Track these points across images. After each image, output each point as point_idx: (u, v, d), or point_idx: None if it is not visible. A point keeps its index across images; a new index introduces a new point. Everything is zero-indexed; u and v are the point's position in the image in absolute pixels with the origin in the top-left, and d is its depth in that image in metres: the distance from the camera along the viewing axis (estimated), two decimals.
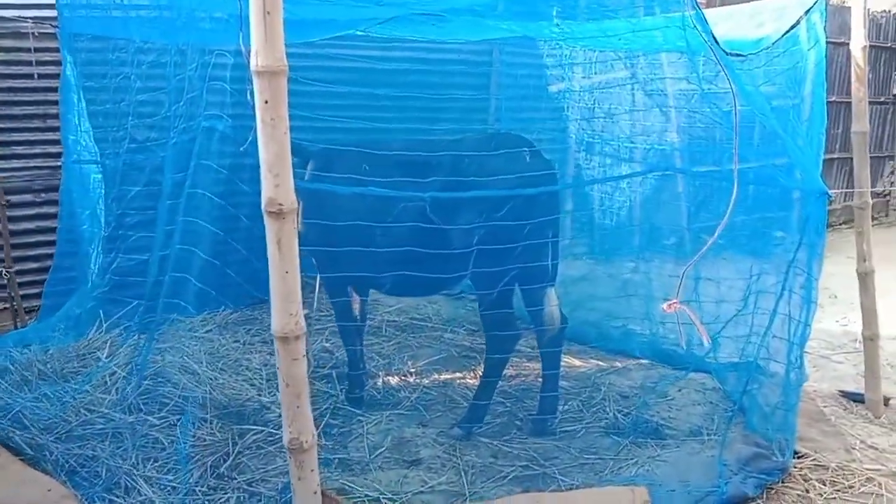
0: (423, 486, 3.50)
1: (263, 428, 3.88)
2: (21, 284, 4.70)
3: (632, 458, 3.78)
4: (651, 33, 3.39)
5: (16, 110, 4.97)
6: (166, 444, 3.59)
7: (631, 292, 5.56)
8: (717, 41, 3.42)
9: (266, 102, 2.56)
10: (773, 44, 3.83)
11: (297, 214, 4.09)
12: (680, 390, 4.75)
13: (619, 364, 5.23)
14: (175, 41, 3.23)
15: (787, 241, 3.58)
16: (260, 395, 4.40)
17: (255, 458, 3.70)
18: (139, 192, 3.84)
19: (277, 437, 3.91)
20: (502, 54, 6.93)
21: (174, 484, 3.37)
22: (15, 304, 4.61)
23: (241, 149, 2.56)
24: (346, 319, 4.48)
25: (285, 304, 2.72)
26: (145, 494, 3.27)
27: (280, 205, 2.62)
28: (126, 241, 4.10)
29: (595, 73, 5.47)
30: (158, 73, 3.80)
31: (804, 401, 4.62)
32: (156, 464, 3.50)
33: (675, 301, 2.25)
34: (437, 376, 4.82)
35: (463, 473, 3.63)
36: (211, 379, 4.48)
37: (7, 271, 4.52)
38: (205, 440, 3.77)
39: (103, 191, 4.01)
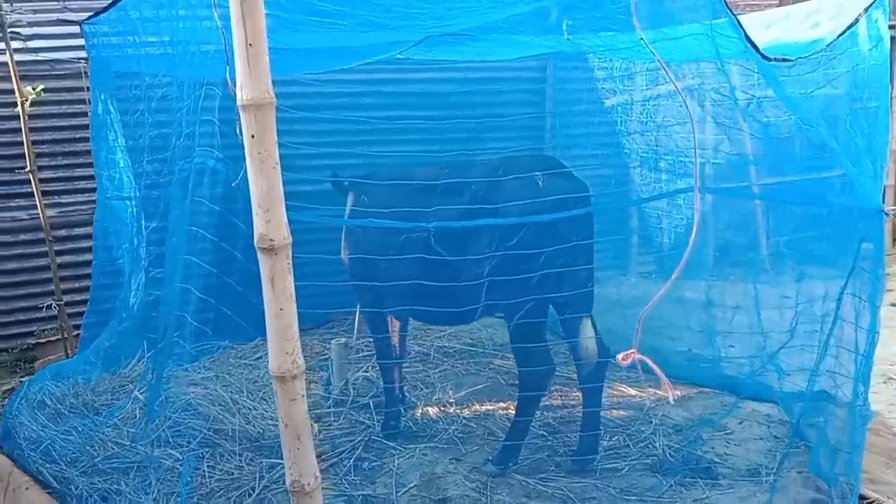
0: None
1: (280, 462, 3.78)
2: (72, 315, 4.87)
3: (676, 501, 3.48)
4: (674, 42, 3.13)
5: (44, 148, 5.20)
6: (189, 478, 3.56)
7: (694, 315, 5.21)
8: (755, 47, 3.16)
9: (253, 137, 2.49)
10: (827, 46, 3.50)
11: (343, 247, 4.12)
12: (741, 423, 4.39)
13: (678, 393, 4.89)
14: (174, 75, 3.24)
15: (840, 264, 3.22)
16: None
17: (280, 492, 3.63)
18: (156, 228, 3.88)
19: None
20: (556, 69, 6.71)
21: None
22: (66, 334, 4.77)
23: (233, 185, 2.49)
24: (384, 352, 4.39)
25: (281, 342, 2.62)
26: None
27: (272, 241, 2.53)
28: (148, 275, 4.15)
29: (645, 86, 5.19)
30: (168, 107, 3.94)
31: (885, 437, 4.20)
32: (178, 499, 3.47)
33: (632, 351, 2.02)
34: (478, 406, 4.64)
35: None
36: (250, 408, 4.47)
37: (57, 303, 4.68)
38: (232, 473, 3.74)
39: (136, 225, 4.08)
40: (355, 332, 4.90)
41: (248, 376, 5.09)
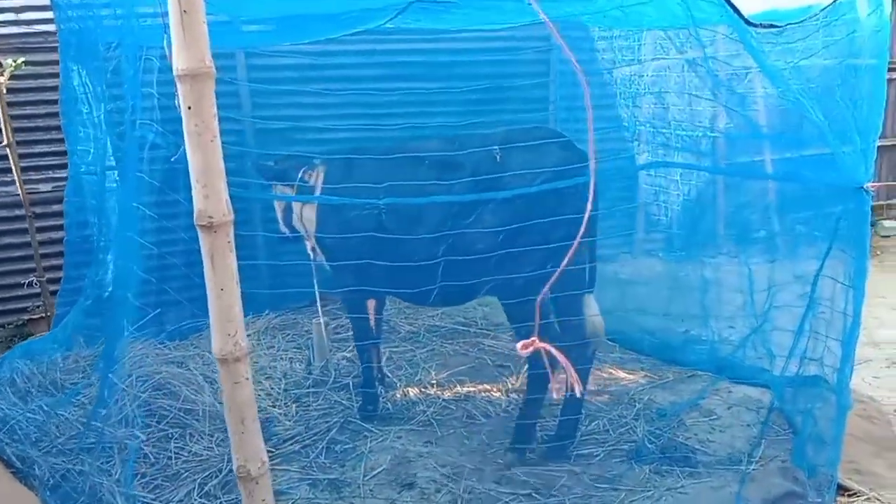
0: None
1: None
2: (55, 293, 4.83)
3: (649, 490, 3.35)
4: (642, 8, 2.94)
5: (39, 122, 5.12)
6: (153, 459, 3.52)
7: (690, 295, 5.04)
8: (737, 11, 2.97)
9: (189, 108, 2.38)
10: (822, 11, 3.28)
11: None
12: (730, 408, 4.24)
13: (670, 376, 4.74)
14: (123, 43, 3.11)
15: (820, 244, 3.04)
16: (274, 405, 4.29)
17: None
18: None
19: (277, 453, 3.78)
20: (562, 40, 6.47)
21: (155, 503, 3.28)
22: (49, 312, 4.74)
23: (172, 159, 2.39)
24: (362, 334, 4.28)
25: (223, 323, 2.52)
26: None
27: (210, 217, 2.42)
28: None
29: (642, 56, 4.98)
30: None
31: (878, 424, 4.03)
32: (142, 480, 3.43)
33: (533, 340, 1.88)
34: (460, 388, 4.53)
35: (458, 500, 3.34)
36: None
37: (38, 280, 4.65)
38: (200, 455, 3.68)
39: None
40: (315, 351, 4.76)
41: None
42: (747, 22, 3.04)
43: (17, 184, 4.59)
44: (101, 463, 3.43)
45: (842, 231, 2.81)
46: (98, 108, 3.99)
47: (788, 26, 3.19)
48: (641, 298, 5.55)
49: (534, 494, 3.37)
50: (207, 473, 3.53)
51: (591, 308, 3.79)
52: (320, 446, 3.86)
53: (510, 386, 4.54)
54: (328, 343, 4.72)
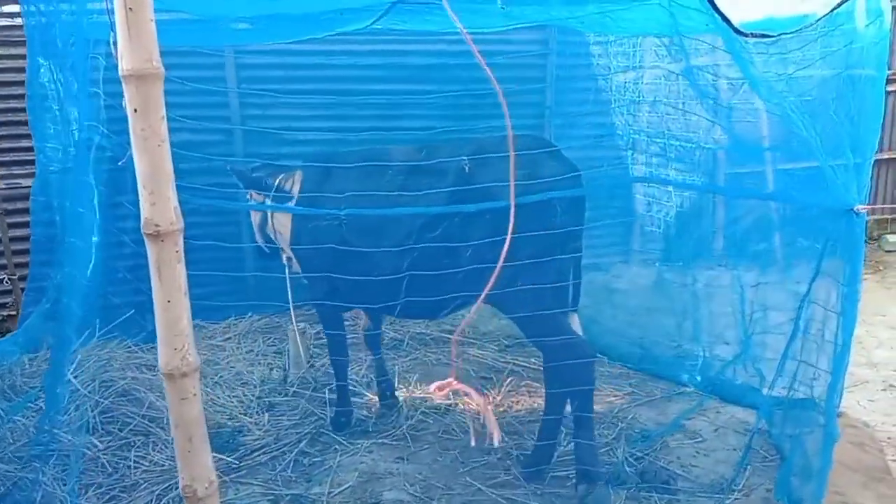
0: None
1: (221, 456, 3.61)
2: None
3: None
4: (628, 15, 2.79)
5: (23, 116, 5.00)
6: (109, 468, 3.40)
7: (683, 308, 4.89)
8: (726, 19, 2.83)
9: (136, 111, 2.25)
10: (818, 20, 3.13)
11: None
12: (716, 430, 4.09)
13: (657, 393, 4.60)
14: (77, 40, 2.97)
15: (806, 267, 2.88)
16: (245, 413, 4.17)
17: None
18: None
19: (242, 465, 3.66)
20: (557, 44, 6.36)
21: None
22: (19, 309, 4.64)
23: (120, 163, 2.26)
24: (336, 345, 4.09)
25: (169, 336, 2.39)
26: None
27: (157, 226, 2.29)
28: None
29: (638, 63, 4.83)
30: None
31: (870, 452, 3.87)
32: (98, 490, 3.32)
33: (449, 381, 1.75)
34: (438, 400, 4.39)
35: None
36: (204, 394, 4.28)
37: (10, 278, 4.55)
38: (161, 465, 3.56)
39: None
40: (291, 359, 4.63)
41: (211, 358, 4.92)
42: (737, 31, 2.89)
43: None
44: (56, 471, 3.31)
45: (830, 254, 2.65)
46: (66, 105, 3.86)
47: (782, 36, 3.04)
48: (634, 311, 5.43)
49: None
50: (167, 485, 3.41)
51: (575, 327, 3.62)
52: (288, 458, 3.74)
53: (491, 399, 4.40)
54: (307, 350, 4.59)
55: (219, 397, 4.32)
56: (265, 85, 5.90)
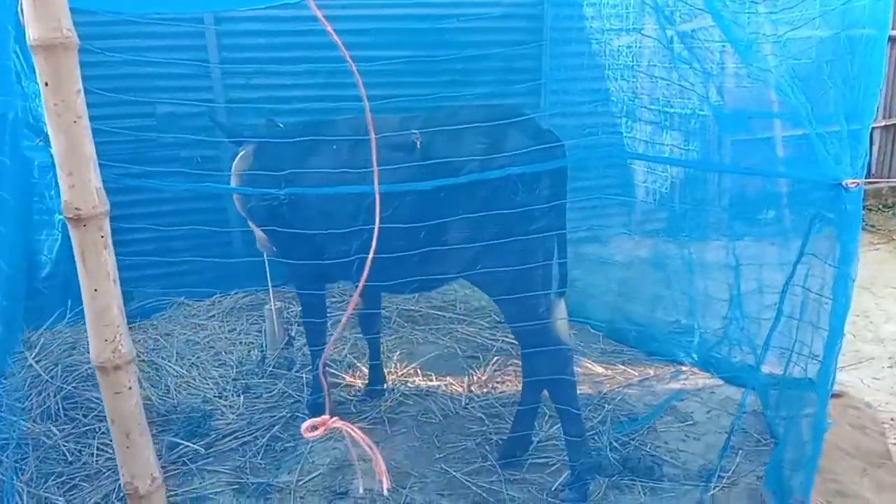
0: None
1: (187, 444, 3.48)
2: None
3: None
4: None
5: None
6: (70, 457, 3.28)
7: (677, 284, 4.67)
8: None
9: (47, 84, 2.07)
10: None
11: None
12: (709, 412, 3.90)
13: (651, 372, 4.41)
14: None
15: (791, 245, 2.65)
16: (220, 396, 4.04)
17: (172, 476, 3.33)
18: None
19: (211, 452, 3.54)
20: (551, 5, 6.07)
21: None
22: None
23: (38, 142, 2.09)
24: (312, 323, 3.91)
25: (98, 327, 2.24)
26: None
27: (77, 209, 2.13)
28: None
29: (632, 26, 4.54)
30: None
31: (870, 435, 3.67)
32: (58, 479, 3.20)
33: (326, 418, 1.57)
34: (420, 381, 4.24)
35: None
36: (174, 376, 4.18)
37: None
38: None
39: None
40: (267, 338, 4.47)
41: (192, 337, 4.80)
42: None
43: None
44: (15, 460, 3.20)
45: (819, 232, 2.43)
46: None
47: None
48: (631, 285, 5.22)
49: None
50: None
51: (560, 313, 3.40)
52: (259, 444, 3.61)
53: (476, 380, 4.24)
54: (284, 330, 4.45)
55: (195, 379, 4.20)
56: (248, 54, 5.71)
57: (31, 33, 2.02)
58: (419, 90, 5.68)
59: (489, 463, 3.40)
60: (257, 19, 5.61)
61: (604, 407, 3.86)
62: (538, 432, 3.59)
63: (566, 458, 3.23)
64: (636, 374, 4.37)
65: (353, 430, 1.54)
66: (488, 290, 3.29)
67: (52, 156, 3.95)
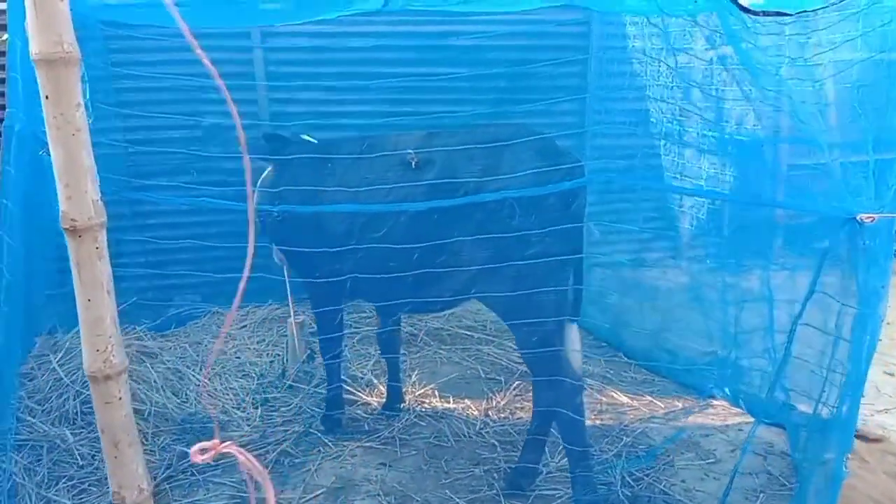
0: None
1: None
2: None
3: None
4: None
5: None
6: (82, 461, 3.35)
7: (713, 315, 4.49)
8: None
9: (48, 98, 2.12)
10: None
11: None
12: (733, 451, 3.72)
13: (679, 405, 4.25)
14: None
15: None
16: (238, 408, 4.07)
17: (178, 486, 3.36)
18: None
19: (220, 464, 3.55)
20: (600, 24, 5.99)
21: None
22: None
23: (41, 153, 2.14)
24: (328, 341, 3.90)
25: (91, 337, 2.27)
26: None
27: (73, 220, 2.17)
28: None
29: (672, 45, 4.41)
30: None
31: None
32: (69, 482, 3.27)
33: (215, 442, 1.51)
34: (437, 402, 4.19)
35: None
36: (196, 384, 4.23)
37: None
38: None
39: None
40: (289, 352, 4.49)
41: (223, 347, 4.85)
42: (743, 9, 2.54)
43: None
44: (30, 462, 3.29)
45: (831, 269, 2.28)
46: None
47: (801, 14, 2.65)
48: (667, 313, 5.05)
49: None
50: None
51: (574, 341, 3.30)
52: (270, 458, 3.61)
53: (493, 404, 4.16)
54: (305, 344, 4.46)
55: (216, 389, 4.24)
56: (294, 68, 5.81)
57: (33, 47, 2.08)
58: (465, 107, 5.72)
59: (494, 492, 3.32)
60: (302, 34, 5.70)
61: (622, 439, 3.73)
62: (548, 463, 3.48)
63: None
64: (663, 406, 4.22)
65: (246, 456, 1.49)
66: (498, 312, 3.24)
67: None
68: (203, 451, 1.51)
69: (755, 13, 2.56)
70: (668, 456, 3.61)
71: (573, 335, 3.25)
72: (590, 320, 5.35)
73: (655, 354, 4.79)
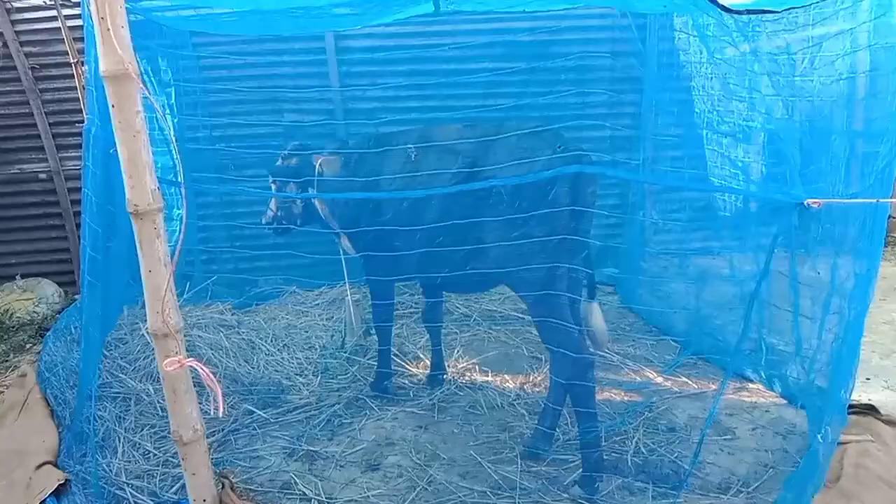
0: (359, 494, 3.36)
1: (260, 412, 4.02)
2: None
3: None
4: None
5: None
6: (162, 412, 3.90)
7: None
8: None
9: (113, 107, 2.62)
10: None
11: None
12: (755, 429, 3.87)
13: (713, 386, 4.40)
14: None
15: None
16: (299, 375, 4.56)
17: (241, 438, 3.87)
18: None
19: (279, 421, 4.04)
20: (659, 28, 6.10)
21: (154, 452, 3.67)
22: None
23: (111, 151, 2.64)
24: (383, 316, 4.33)
25: (153, 302, 2.77)
26: (127, 458, 3.61)
27: (136, 206, 2.67)
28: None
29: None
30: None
31: None
32: (151, 430, 3.84)
33: (179, 358, 1.85)
34: (476, 376, 4.53)
35: (415, 488, 3.40)
36: (266, 354, 4.76)
37: None
38: (208, 413, 4.01)
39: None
40: (346, 327, 4.94)
41: (293, 322, 5.39)
42: (723, 8, 2.73)
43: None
44: (120, 411, 3.89)
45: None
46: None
47: (786, 11, 2.81)
48: (710, 297, 5.17)
49: (488, 492, 3.34)
50: (210, 431, 3.87)
51: (596, 317, 3.59)
52: (322, 418, 4.07)
53: (531, 380, 4.46)
54: (361, 320, 4.91)
55: (284, 359, 4.76)
56: (364, 67, 6.26)
57: (102, 66, 2.58)
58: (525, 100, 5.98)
59: (515, 454, 3.64)
60: (373, 35, 6.13)
61: (643, 414, 3.95)
62: (568, 430, 3.76)
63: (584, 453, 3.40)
64: (696, 386, 4.38)
65: (200, 367, 1.89)
66: (518, 287, 3.54)
67: (173, 159, 4.67)
68: (170, 364, 1.92)
69: (738, 12, 2.75)
70: (687, 431, 3.80)
71: (596, 311, 3.53)
72: (643, 306, 5.56)
73: (700, 339, 4.93)
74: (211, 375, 1.98)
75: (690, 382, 4.44)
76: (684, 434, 3.79)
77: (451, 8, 4.57)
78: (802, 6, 2.80)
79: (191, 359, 2.03)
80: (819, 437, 2.66)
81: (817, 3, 2.82)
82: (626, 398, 4.20)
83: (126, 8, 3.62)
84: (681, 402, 4.18)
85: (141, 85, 2.61)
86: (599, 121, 6.13)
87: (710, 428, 3.86)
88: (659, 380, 4.49)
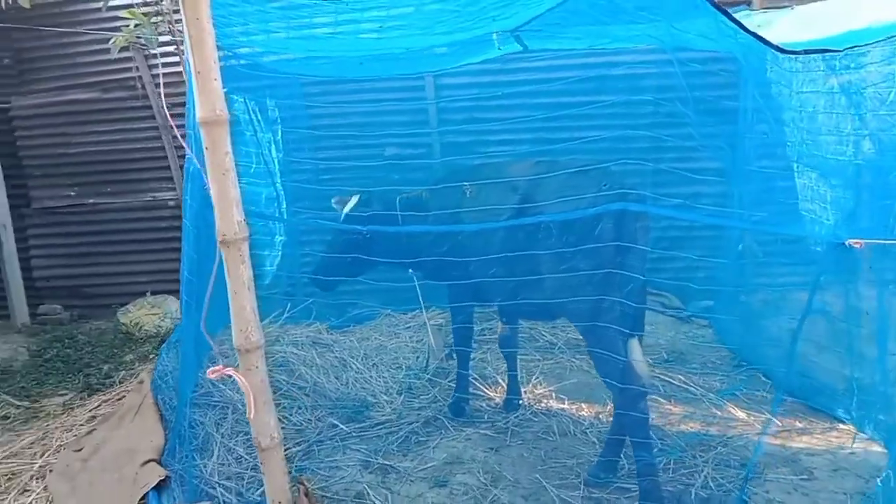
0: None
1: (342, 426, 4.31)
2: None
3: None
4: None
5: None
6: None
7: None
8: (763, 39, 2.73)
9: (207, 149, 2.98)
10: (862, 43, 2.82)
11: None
12: (836, 471, 3.74)
13: (798, 424, 4.28)
14: None
15: None
16: (383, 393, 4.82)
17: (324, 449, 4.16)
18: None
19: (361, 435, 4.31)
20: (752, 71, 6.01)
21: (245, 456, 4.02)
22: None
23: (205, 187, 3.01)
24: (462, 341, 4.53)
25: (237, 320, 3.10)
26: (221, 460, 3.99)
27: (224, 235, 3.02)
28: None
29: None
30: None
31: None
32: (245, 436, 4.20)
33: (219, 367, 2.03)
34: (554, 402, 4.62)
35: None
36: (354, 371, 5.07)
37: None
38: (298, 425, 4.36)
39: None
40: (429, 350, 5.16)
41: (385, 343, 5.69)
42: (779, 49, 2.76)
43: None
44: (218, 418, 4.29)
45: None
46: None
47: (814, 53, 2.80)
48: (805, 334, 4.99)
49: None
50: (298, 441, 4.20)
51: (636, 353, 3.60)
52: (400, 434, 4.30)
53: (607, 409, 4.50)
54: (443, 343, 5.12)
55: (372, 377, 5.05)
56: (460, 104, 6.55)
57: (198, 114, 2.96)
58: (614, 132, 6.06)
59: (579, 480, 3.71)
60: (468, 73, 6.40)
61: (715, 448, 3.91)
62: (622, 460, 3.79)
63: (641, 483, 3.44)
64: (780, 424, 4.28)
65: (238, 376, 2.12)
66: (575, 318, 3.65)
67: (276, 191, 5.15)
68: (213, 371, 2.18)
69: (794, 53, 2.77)
70: (762, 469, 3.73)
71: (636, 347, 3.58)
72: (736, 340, 5.46)
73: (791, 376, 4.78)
74: (245, 383, 2.24)
75: (774, 420, 4.33)
76: (757, 471, 3.73)
77: (512, 50, 4.75)
78: (864, 45, 2.78)
79: (230, 367, 2.30)
80: (878, 480, 2.58)
81: (882, 41, 2.80)
82: (702, 430, 4.17)
83: (231, 54, 4.08)
84: (753, 437, 4.10)
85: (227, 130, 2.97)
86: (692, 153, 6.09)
87: (787, 466, 3.80)
88: (741, 415, 4.41)
